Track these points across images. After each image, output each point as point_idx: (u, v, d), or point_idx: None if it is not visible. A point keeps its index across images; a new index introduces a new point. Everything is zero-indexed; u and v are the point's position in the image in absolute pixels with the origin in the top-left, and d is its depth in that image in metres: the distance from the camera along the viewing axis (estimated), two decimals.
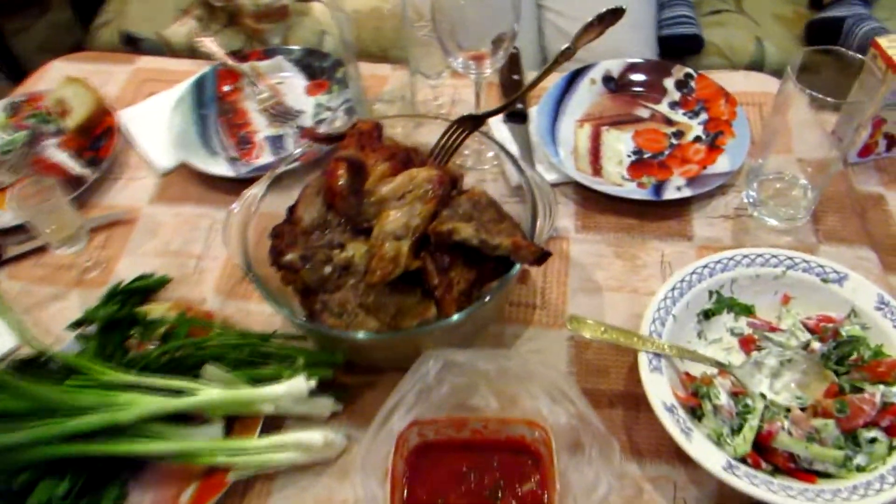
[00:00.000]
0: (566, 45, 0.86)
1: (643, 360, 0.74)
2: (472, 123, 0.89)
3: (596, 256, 0.91)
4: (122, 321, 0.84)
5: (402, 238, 0.77)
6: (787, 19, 1.62)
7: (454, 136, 0.89)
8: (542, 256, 0.75)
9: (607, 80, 1.11)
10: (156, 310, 0.87)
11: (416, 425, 0.72)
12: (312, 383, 0.76)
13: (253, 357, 0.81)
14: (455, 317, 0.73)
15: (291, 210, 0.84)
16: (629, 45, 1.41)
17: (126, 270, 0.95)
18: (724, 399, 0.71)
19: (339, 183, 0.79)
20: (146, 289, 0.92)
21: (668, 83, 1.10)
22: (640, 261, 0.91)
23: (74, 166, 1.07)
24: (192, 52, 1.64)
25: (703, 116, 1.05)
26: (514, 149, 1.01)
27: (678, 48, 1.51)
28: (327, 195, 0.82)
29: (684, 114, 1.07)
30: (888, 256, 0.89)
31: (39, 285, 0.95)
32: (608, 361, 0.82)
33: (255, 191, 0.86)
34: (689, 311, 0.80)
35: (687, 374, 0.77)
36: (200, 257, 0.97)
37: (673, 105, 1.08)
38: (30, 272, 0.97)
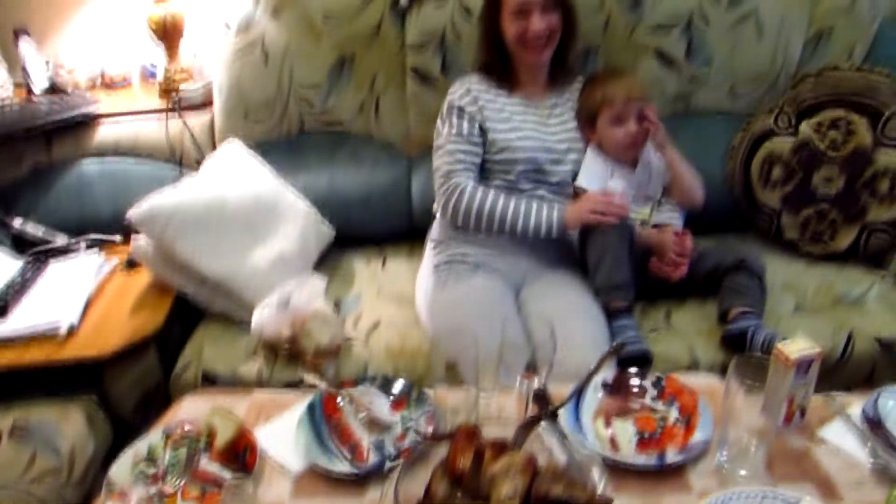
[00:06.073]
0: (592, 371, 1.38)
1: None
2: (538, 420, 1.33)
3: None
4: None
5: (513, 499, 1.15)
6: (706, 332, 2.18)
7: (527, 430, 1.32)
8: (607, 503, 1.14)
9: (605, 385, 1.59)
10: None
11: None
12: None
13: None
14: None
15: (428, 488, 1.22)
16: (592, 360, 1.90)
17: None
18: None
19: (467, 467, 1.19)
20: None
21: (647, 384, 1.58)
22: None
23: (227, 475, 1.41)
24: (261, 384, 2.07)
25: (676, 406, 1.52)
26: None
27: (632, 362, 2.02)
28: (454, 476, 1.21)
29: (663, 405, 1.54)
30: (822, 487, 1.32)
31: None
32: None
33: (394, 480, 1.23)
34: None
35: None
36: None
37: (653, 399, 1.56)
38: None
